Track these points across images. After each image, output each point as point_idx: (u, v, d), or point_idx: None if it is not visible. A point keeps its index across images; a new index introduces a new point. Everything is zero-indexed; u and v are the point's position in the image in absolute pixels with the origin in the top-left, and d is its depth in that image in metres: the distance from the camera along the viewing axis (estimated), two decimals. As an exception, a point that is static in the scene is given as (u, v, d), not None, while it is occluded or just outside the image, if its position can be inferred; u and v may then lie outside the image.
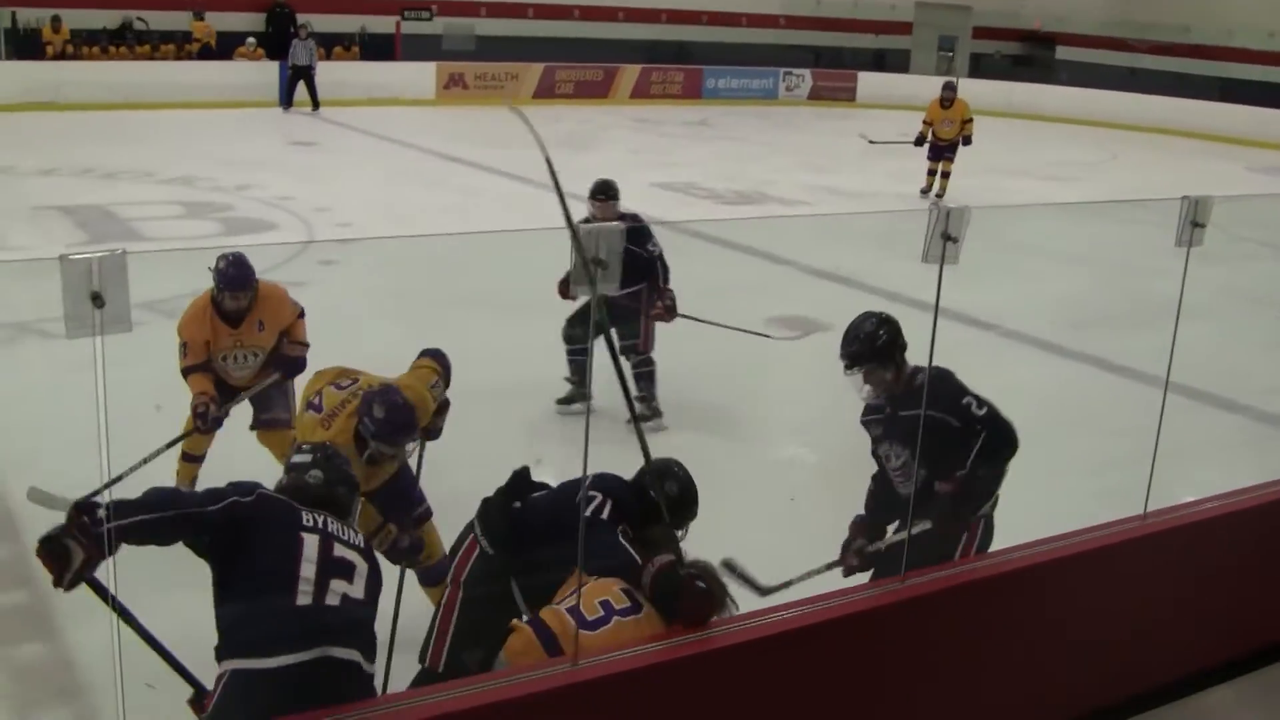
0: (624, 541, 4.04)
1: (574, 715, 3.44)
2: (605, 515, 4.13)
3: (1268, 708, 5.12)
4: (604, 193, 7.97)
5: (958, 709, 4.31)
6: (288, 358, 6.39)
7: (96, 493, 6.21)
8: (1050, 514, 5.24)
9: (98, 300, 2.57)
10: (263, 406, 6.51)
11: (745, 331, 8.10)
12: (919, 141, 17.55)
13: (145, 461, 6.38)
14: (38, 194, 14.39)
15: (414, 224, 13.80)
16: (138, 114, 21.90)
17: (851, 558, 4.77)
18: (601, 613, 3.73)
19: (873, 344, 4.62)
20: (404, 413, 5.01)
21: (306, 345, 6.43)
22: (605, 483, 4.25)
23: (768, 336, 8.39)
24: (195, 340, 6.22)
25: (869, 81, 31.97)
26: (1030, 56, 35.39)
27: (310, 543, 3.47)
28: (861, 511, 4.96)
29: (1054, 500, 6.66)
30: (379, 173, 17.64)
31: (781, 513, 6.62)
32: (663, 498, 4.21)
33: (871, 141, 15.95)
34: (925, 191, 17.66)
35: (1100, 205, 18.01)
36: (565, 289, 7.08)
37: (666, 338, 8.14)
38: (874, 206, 16.26)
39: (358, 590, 3.48)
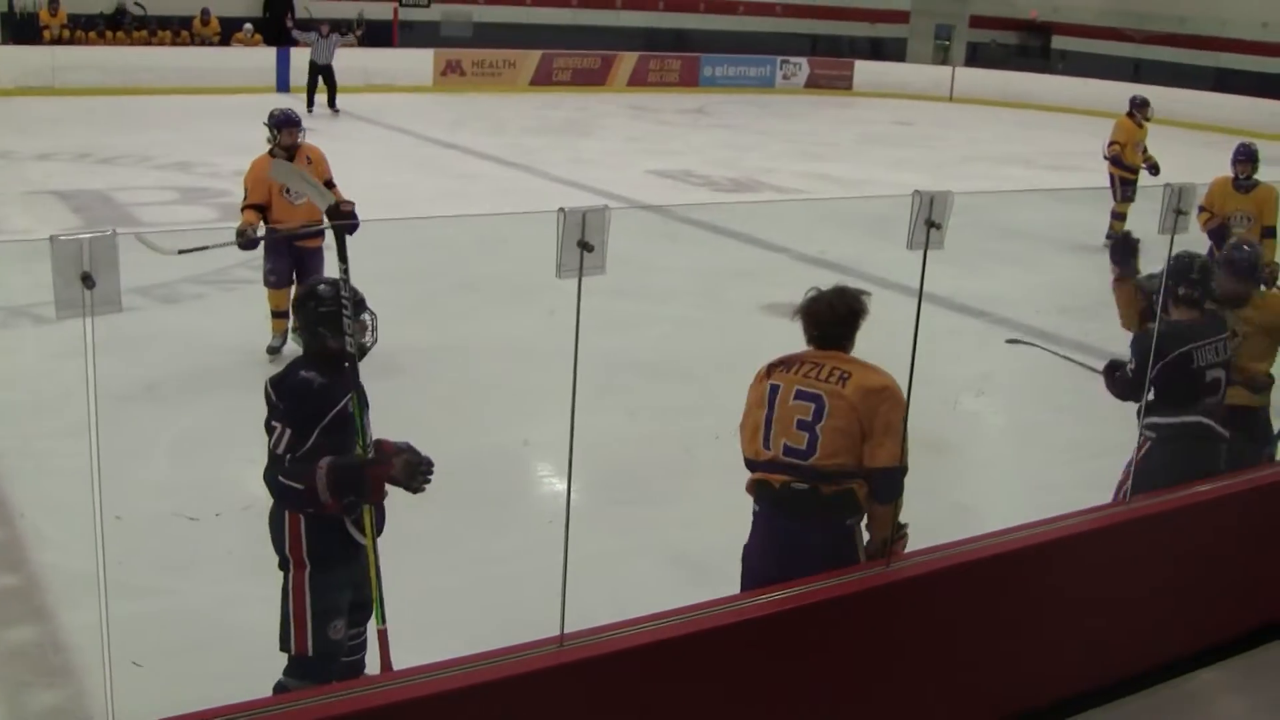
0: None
1: (563, 695, 3.45)
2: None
3: (1254, 690, 5.14)
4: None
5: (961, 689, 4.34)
6: (347, 214, 6.87)
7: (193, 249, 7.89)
8: (1035, 499, 5.29)
9: (88, 281, 2.54)
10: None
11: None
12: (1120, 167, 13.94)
13: (201, 249, 7.89)
14: (35, 179, 14.39)
15: (410, 209, 13.81)
16: (135, 99, 21.85)
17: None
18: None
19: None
20: None
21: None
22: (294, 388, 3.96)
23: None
24: (255, 184, 7.78)
25: (865, 70, 31.81)
26: (1027, 46, 35.35)
27: None
28: None
29: (1039, 486, 6.74)
30: (376, 158, 17.60)
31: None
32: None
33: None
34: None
35: (1094, 192, 17.98)
36: None
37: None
38: (869, 194, 16.22)
39: None
